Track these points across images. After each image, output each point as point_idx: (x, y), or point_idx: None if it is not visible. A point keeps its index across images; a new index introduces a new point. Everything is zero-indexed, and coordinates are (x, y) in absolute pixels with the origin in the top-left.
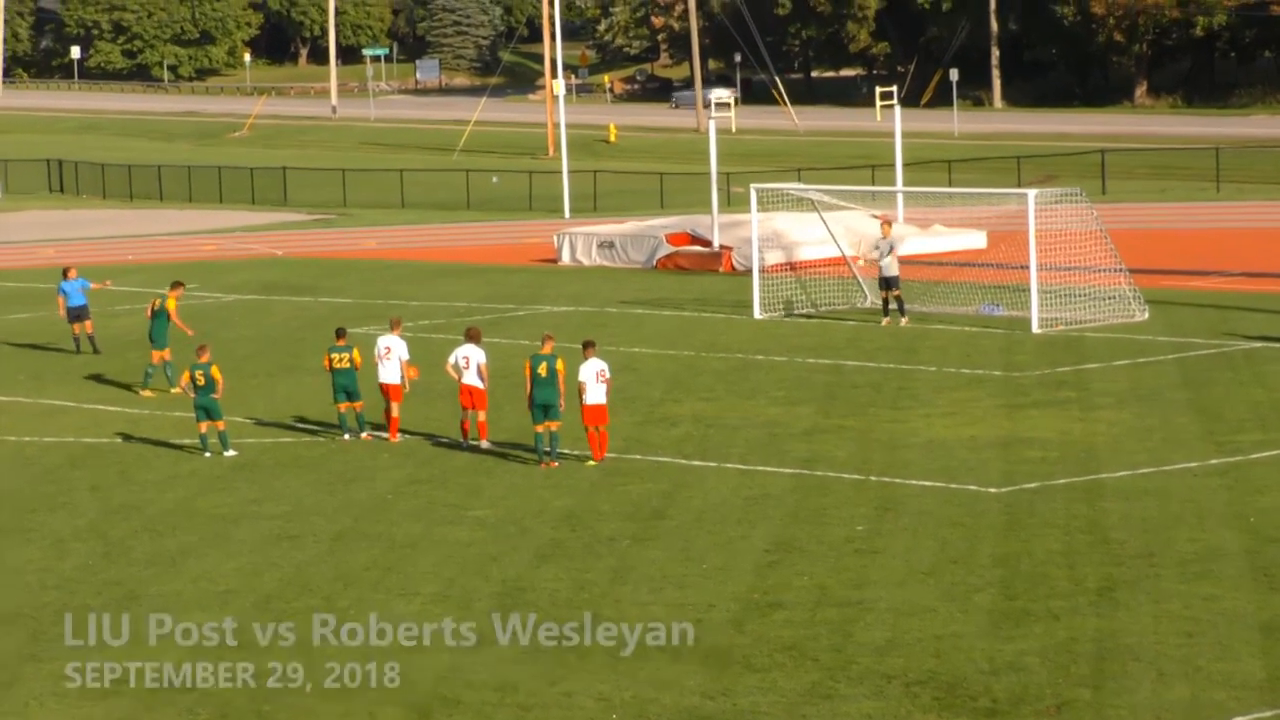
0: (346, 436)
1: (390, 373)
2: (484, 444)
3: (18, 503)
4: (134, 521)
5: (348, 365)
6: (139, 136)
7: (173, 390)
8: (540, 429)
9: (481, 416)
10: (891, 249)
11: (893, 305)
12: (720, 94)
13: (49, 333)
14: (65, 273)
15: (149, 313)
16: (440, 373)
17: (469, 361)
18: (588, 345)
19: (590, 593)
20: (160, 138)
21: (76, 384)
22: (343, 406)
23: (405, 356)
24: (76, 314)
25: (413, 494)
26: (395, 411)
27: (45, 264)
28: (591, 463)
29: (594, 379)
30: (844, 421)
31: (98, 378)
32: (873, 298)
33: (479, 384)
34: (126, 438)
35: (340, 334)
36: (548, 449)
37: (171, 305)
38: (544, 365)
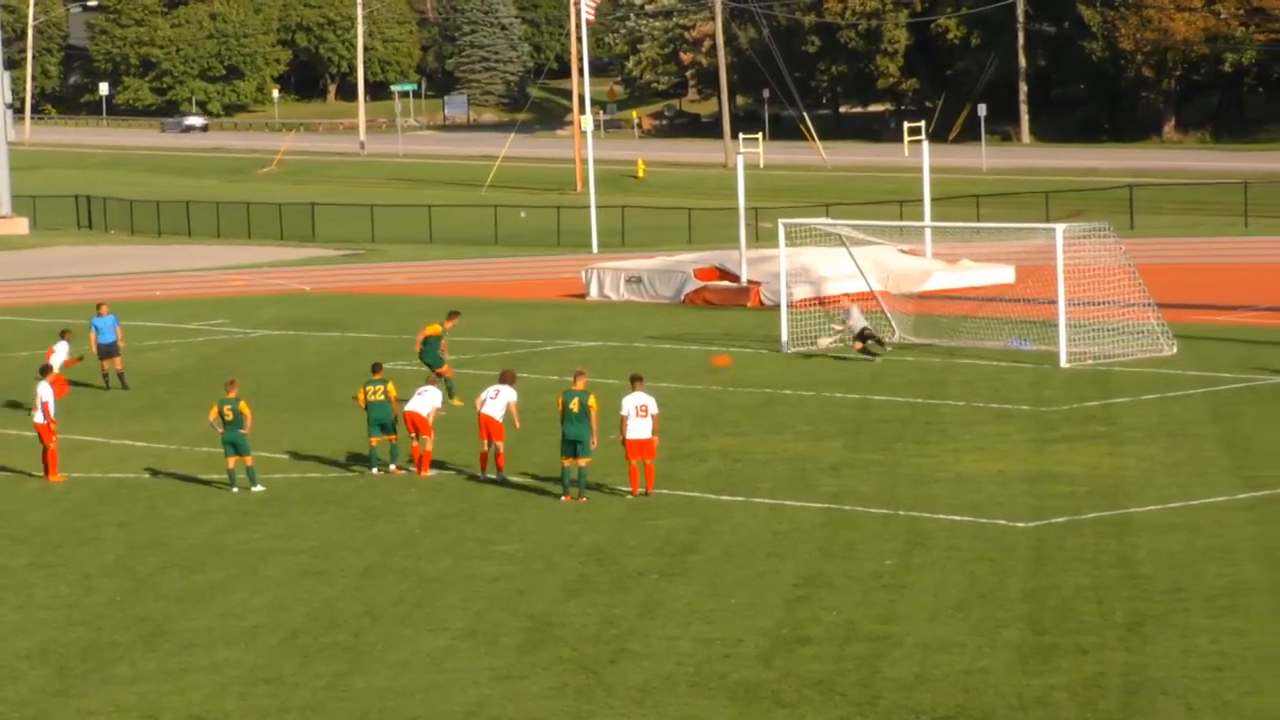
0: (375, 470)
1: (419, 402)
2: (497, 476)
3: (46, 538)
4: (162, 557)
5: (382, 399)
6: (167, 173)
7: (452, 401)
8: (568, 463)
9: (500, 447)
10: (844, 318)
11: (873, 346)
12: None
13: (80, 368)
14: (98, 309)
15: (418, 343)
16: (468, 408)
17: (498, 394)
18: (635, 379)
19: (619, 628)
20: (189, 174)
21: (105, 419)
22: (375, 440)
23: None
24: (106, 351)
25: (440, 529)
26: (428, 445)
27: (74, 300)
28: (631, 495)
29: (635, 413)
30: (872, 456)
31: (126, 412)
32: (901, 332)
33: (496, 416)
34: (154, 473)
35: (376, 369)
36: (574, 481)
37: (435, 330)
38: (576, 401)
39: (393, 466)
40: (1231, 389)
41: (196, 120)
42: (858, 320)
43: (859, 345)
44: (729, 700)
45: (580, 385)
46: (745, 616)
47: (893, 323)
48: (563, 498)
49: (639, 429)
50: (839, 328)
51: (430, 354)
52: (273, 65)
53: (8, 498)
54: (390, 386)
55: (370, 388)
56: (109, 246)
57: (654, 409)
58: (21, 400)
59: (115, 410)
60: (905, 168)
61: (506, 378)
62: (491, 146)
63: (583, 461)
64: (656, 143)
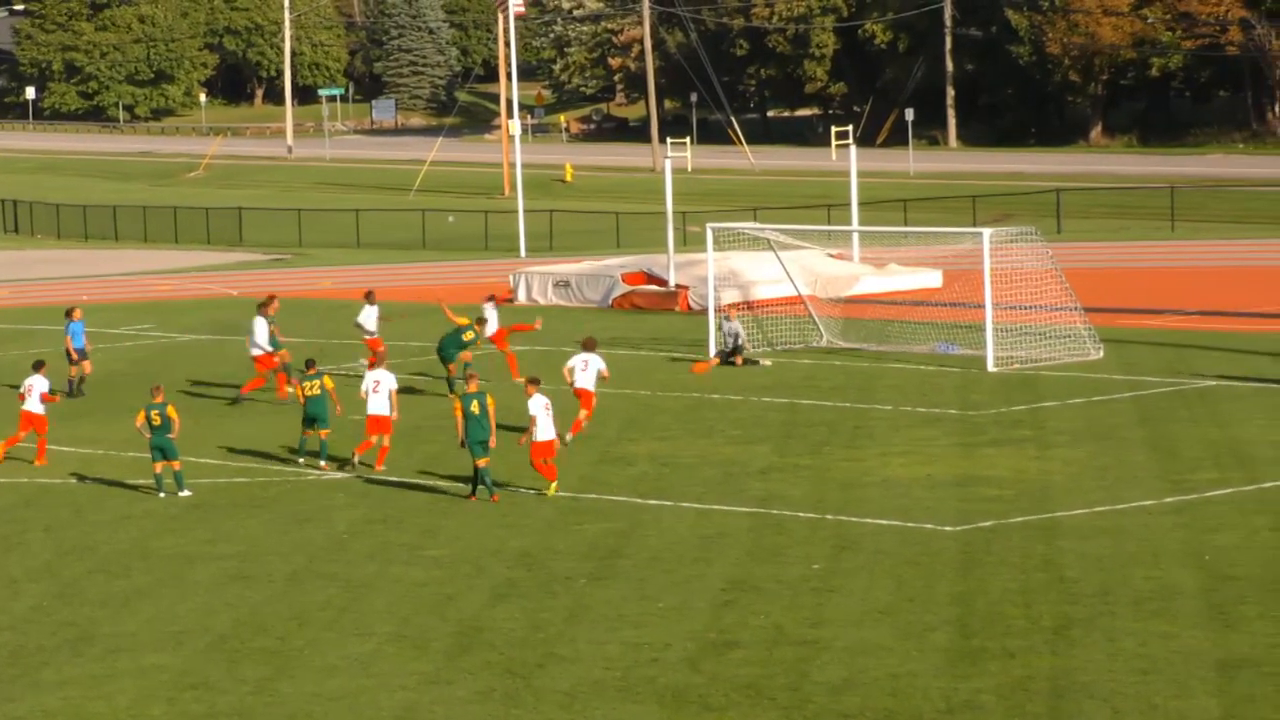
0: (301, 461)
1: (380, 405)
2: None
3: None
4: (88, 562)
5: (319, 393)
6: (95, 176)
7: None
8: (482, 464)
9: (581, 416)
10: (736, 333)
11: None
12: None
13: (6, 373)
14: (69, 313)
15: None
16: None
17: (587, 365)
18: (531, 381)
19: (546, 632)
20: (116, 178)
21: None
22: (308, 432)
23: (394, 388)
24: (80, 355)
25: (368, 534)
26: (386, 442)
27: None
28: (552, 489)
29: (544, 412)
30: (800, 460)
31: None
32: (829, 336)
33: (590, 386)
34: (81, 478)
35: (310, 364)
36: (486, 483)
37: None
38: (475, 403)
39: (321, 463)
40: (1158, 393)
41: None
42: (732, 329)
43: (739, 359)
44: (657, 704)
45: (473, 388)
46: (673, 621)
47: (820, 327)
48: (474, 497)
49: (547, 430)
50: (730, 344)
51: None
52: (200, 69)
53: None
54: (327, 379)
55: (307, 383)
56: (35, 251)
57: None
58: None
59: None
60: (833, 172)
61: (589, 345)
62: (419, 151)
63: (481, 462)
64: (584, 147)
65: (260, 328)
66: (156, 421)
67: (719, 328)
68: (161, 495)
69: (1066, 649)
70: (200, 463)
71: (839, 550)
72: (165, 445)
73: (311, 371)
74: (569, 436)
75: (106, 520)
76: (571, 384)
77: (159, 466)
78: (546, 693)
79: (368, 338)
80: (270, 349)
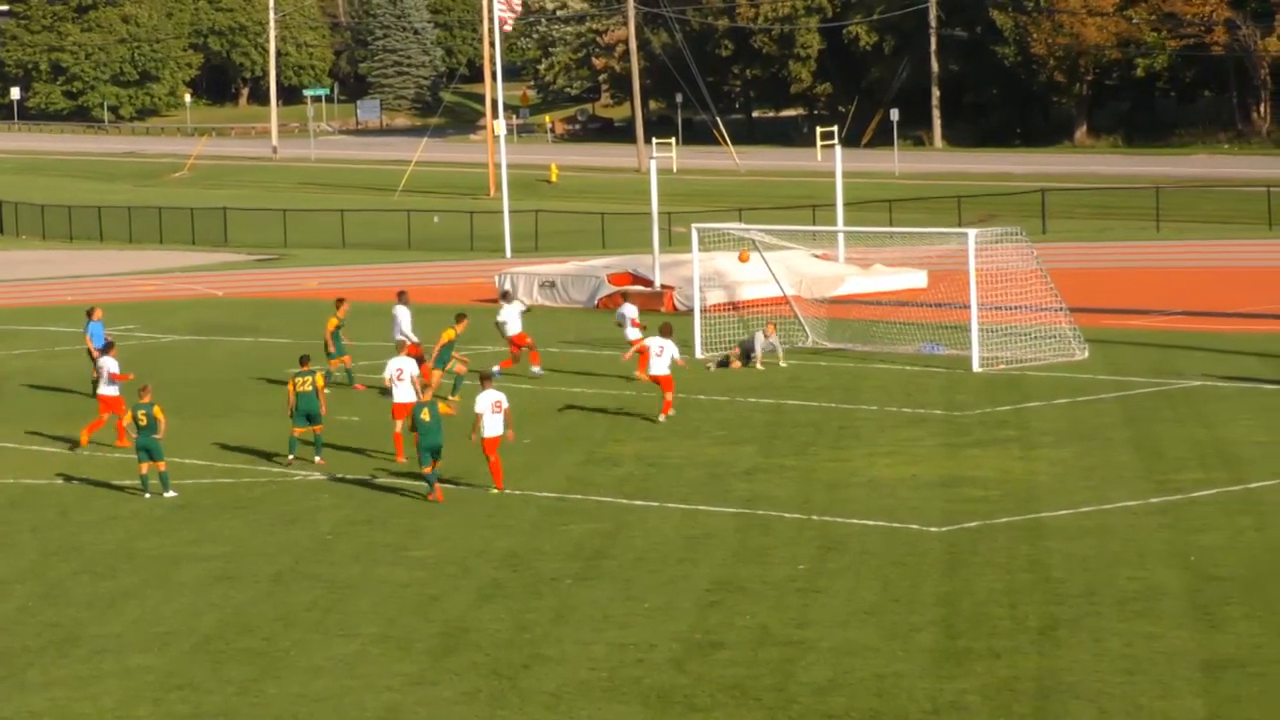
0: (291, 458)
1: (405, 393)
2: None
3: None
4: (74, 563)
5: (310, 390)
6: (80, 177)
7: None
8: (429, 470)
9: (669, 397)
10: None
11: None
12: None
13: (37, 371)
14: (90, 313)
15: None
16: (382, 413)
17: (662, 350)
18: (485, 378)
19: (532, 633)
20: (101, 178)
21: (18, 424)
22: (299, 430)
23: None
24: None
25: (353, 534)
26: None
27: None
28: (495, 491)
29: (490, 409)
30: (786, 461)
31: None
32: (814, 337)
33: (665, 371)
34: (67, 478)
35: (304, 360)
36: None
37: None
38: (426, 411)
39: (317, 458)
40: (1143, 393)
41: None
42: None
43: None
44: (642, 705)
45: (426, 398)
46: (659, 621)
47: (806, 327)
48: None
49: (495, 426)
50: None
51: (443, 357)
52: (185, 69)
53: None
54: (319, 377)
55: (299, 379)
56: (20, 251)
57: (506, 403)
58: None
59: (29, 415)
60: (818, 172)
61: (666, 331)
62: (404, 151)
63: (437, 466)
64: (569, 147)
65: (403, 315)
66: (143, 422)
67: (752, 342)
68: (147, 496)
69: (1052, 649)
70: (185, 463)
71: (824, 551)
72: (151, 446)
73: (305, 368)
74: (662, 418)
75: (92, 521)
76: (645, 370)
77: (145, 467)
78: (532, 693)
79: (512, 334)
80: (415, 338)
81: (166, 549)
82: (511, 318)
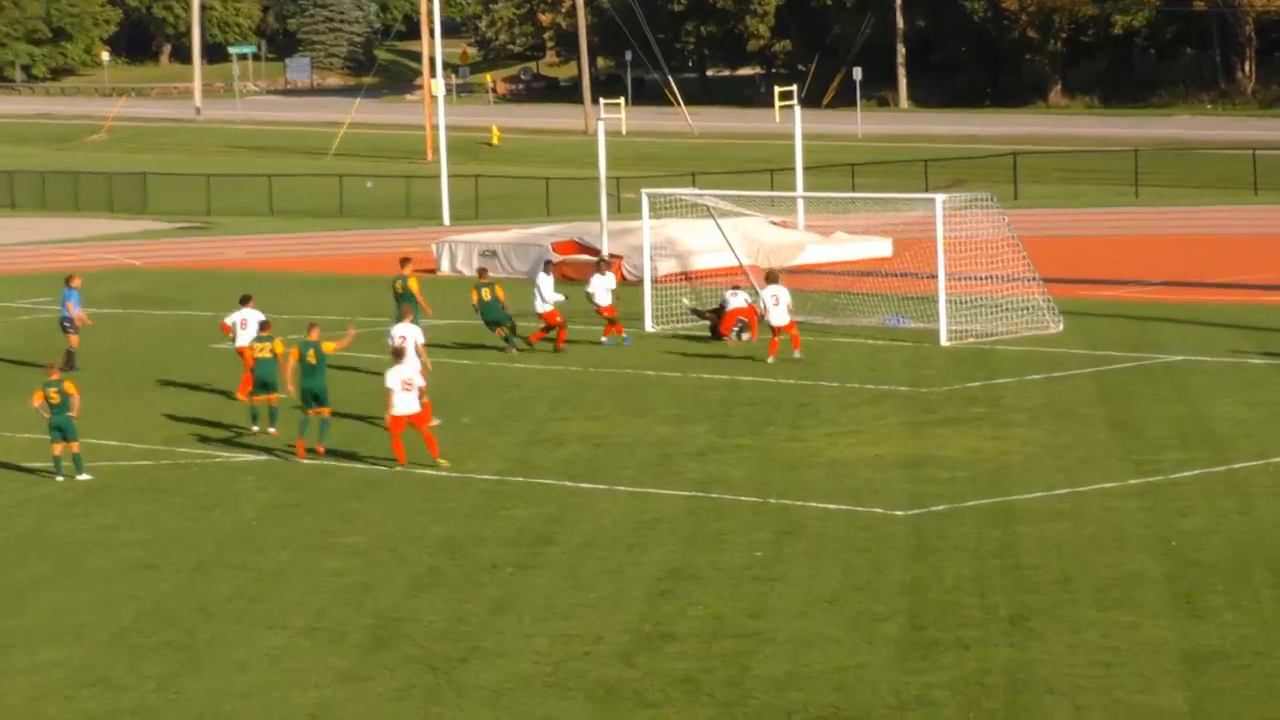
0: (255, 429)
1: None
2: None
3: None
4: None
5: (269, 356)
6: None
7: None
8: (311, 414)
9: (793, 336)
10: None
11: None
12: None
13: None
14: (68, 280)
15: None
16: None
17: (778, 300)
18: (397, 354)
19: (470, 624)
20: (12, 141)
21: None
22: (258, 399)
23: (421, 341)
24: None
25: (280, 519)
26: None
27: None
28: (397, 468)
29: (399, 386)
30: (741, 441)
31: None
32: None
33: (784, 321)
34: None
35: (264, 326)
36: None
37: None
38: (311, 351)
39: (271, 429)
40: (1121, 368)
41: None
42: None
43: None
44: (588, 700)
45: (314, 336)
46: (606, 612)
47: (763, 299)
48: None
49: (404, 405)
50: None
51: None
52: (102, 26)
53: None
54: (278, 343)
55: (258, 344)
56: None
57: (420, 381)
58: None
59: None
60: (776, 134)
61: (773, 277)
62: (336, 112)
63: (325, 411)
64: (512, 108)
65: (546, 283)
66: (55, 400)
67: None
68: (60, 479)
69: (1024, 640)
70: (101, 444)
71: (782, 536)
72: (65, 425)
73: (265, 333)
74: (796, 353)
75: (1, 505)
76: (765, 315)
77: (58, 448)
78: (470, 689)
79: (601, 306)
80: (554, 302)
81: (80, 535)
82: (600, 289)
